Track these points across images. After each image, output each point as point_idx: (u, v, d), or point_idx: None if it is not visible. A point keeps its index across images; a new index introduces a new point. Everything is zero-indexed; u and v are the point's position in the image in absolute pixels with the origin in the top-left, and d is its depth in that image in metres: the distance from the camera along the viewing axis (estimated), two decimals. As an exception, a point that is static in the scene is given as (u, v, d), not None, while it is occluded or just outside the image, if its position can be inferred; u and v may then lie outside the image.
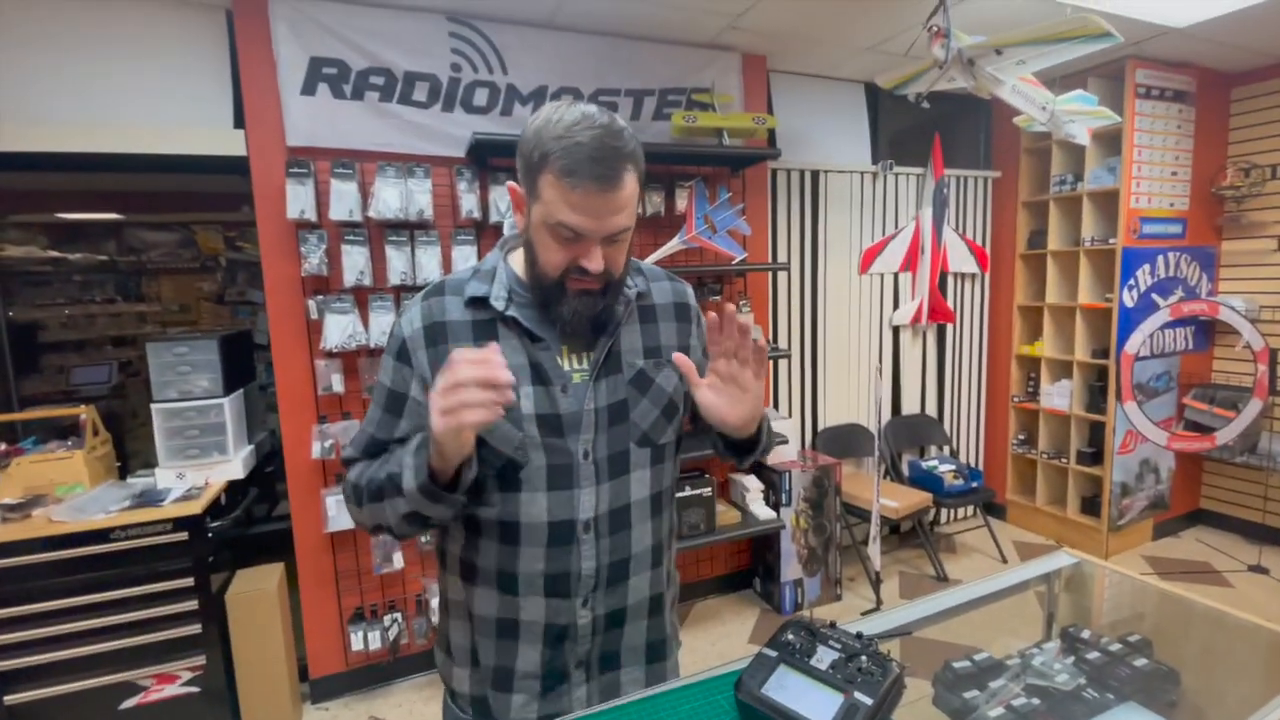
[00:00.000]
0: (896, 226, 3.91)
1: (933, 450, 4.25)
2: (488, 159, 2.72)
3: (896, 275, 3.95)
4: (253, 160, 2.53)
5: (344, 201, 2.52)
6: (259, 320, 4.23)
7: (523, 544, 1.17)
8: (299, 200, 2.48)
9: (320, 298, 2.56)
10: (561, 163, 1.06)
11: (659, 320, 1.24)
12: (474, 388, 1.01)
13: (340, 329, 2.57)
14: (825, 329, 3.79)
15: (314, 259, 2.51)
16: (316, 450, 2.63)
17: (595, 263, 1.09)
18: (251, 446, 2.85)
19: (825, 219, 3.69)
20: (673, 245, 2.99)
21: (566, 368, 1.17)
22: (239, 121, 2.56)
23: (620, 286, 1.17)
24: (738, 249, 3.10)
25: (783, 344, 3.64)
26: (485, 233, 2.75)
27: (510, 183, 1.15)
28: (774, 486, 3.37)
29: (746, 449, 1.24)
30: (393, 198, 2.53)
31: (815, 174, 3.63)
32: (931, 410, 4.23)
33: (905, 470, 4.04)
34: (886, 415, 4.05)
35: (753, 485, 3.39)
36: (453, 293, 1.19)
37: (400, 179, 2.53)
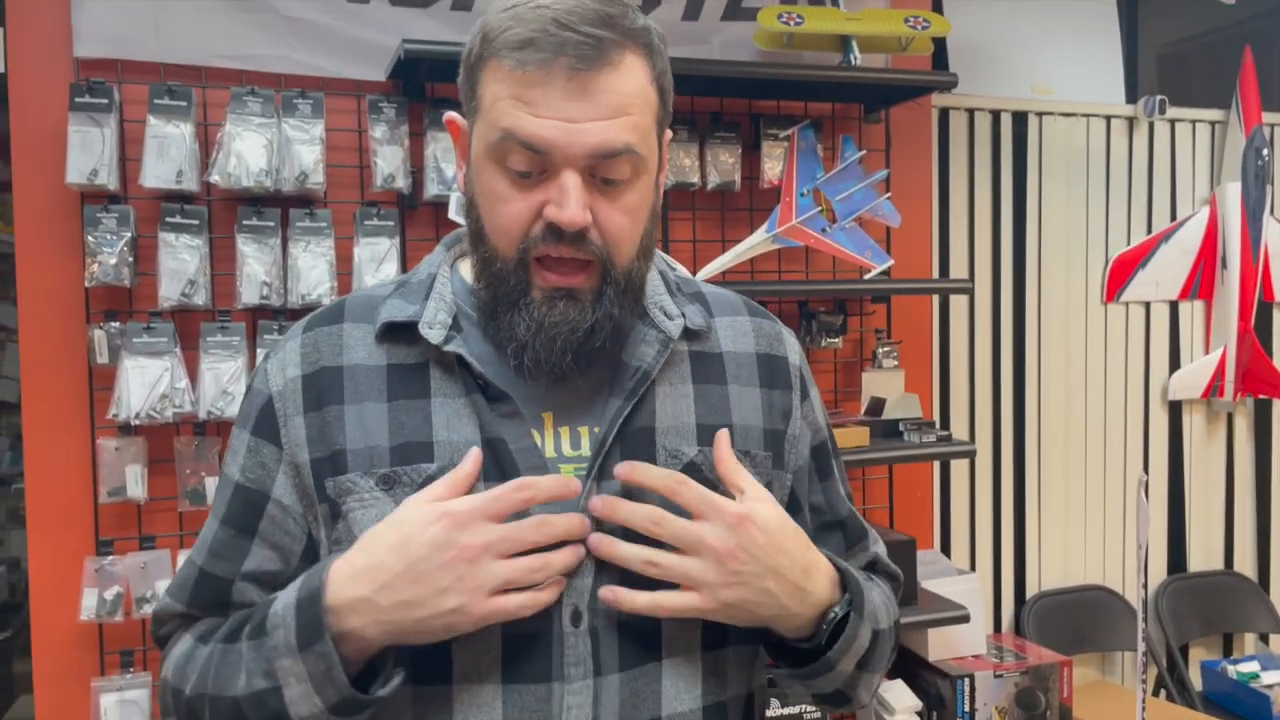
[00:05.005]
0: (1173, 215, 3.22)
1: (1249, 643, 3.39)
2: (426, 84, 2.25)
3: (1174, 307, 3.27)
4: (12, 80, 2.13)
5: (168, 157, 2.08)
6: (5, 359, 3.95)
7: None
8: (89, 152, 2.07)
9: (115, 326, 2.10)
10: (510, 32, 0.78)
11: (729, 380, 0.95)
12: (555, 557, 0.79)
13: (148, 382, 2.08)
14: (1040, 404, 3.10)
15: (110, 255, 2.09)
16: (89, 607, 2.10)
17: (569, 208, 0.79)
18: (-26, 595, 2.56)
19: (1039, 200, 3.06)
20: (753, 244, 2.37)
21: (549, 451, 0.87)
22: (-7, 14, 2.21)
23: (631, 288, 0.87)
24: (877, 252, 2.48)
25: (960, 431, 2.93)
26: (416, 216, 2.28)
27: (450, 114, 0.91)
28: (939, 702, 2.65)
29: (803, 660, 0.92)
30: (255, 151, 2.11)
31: (1020, 119, 3.02)
32: (1246, 566, 3.39)
33: (1196, 680, 3.18)
34: (1159, 574, 3.28)
35: (898, 701, 2.64)
36: (357, 318, 0.91)
37: (269, 119, 2.12)
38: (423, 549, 0.73)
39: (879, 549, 1.02)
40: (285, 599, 0.79)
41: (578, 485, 0.78)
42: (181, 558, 1.98)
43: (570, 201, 0.79)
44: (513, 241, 0.82)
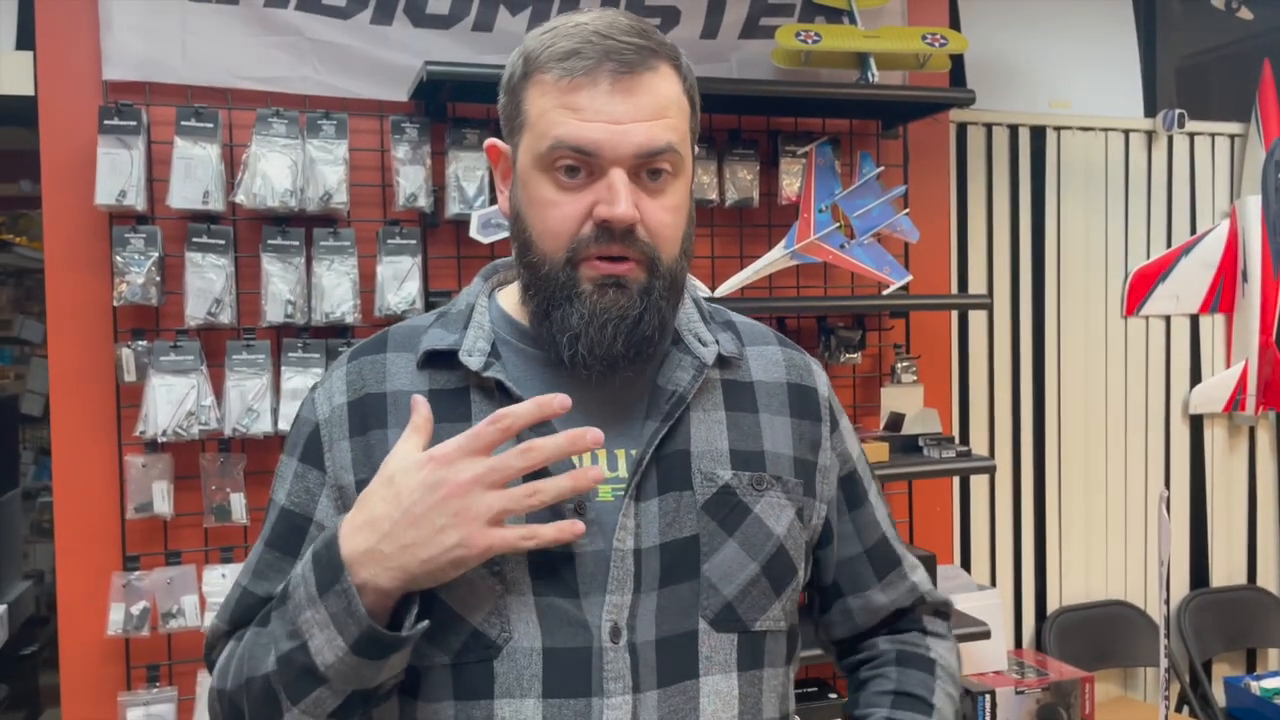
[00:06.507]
0: (1192, 229, 3.23)
1: (1273, 658, 3.35)
2: (448, 104, 2.27)
3: (1195, 320, 3.27)
4: (42, 103, 2.14)
5: (195, 178, 2.10)
6: (30, 374, 3.96)
7: None
8: (117, 174, 2.07)
9: (143, 344, 2.11)
10: (554, 47, 0.83)
11: (761, 408, 0.96)
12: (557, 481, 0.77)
13: (174, 399, 2.10)
14: (1060, 419, 3.10)
15: (138, 275, 2.10)
16: (116, 621, 2.10)
17: (619, 205, 0.82)
18: (2, 608, 2.66)
19: (1058, 215, 3.07)
20: (772, 260, 2.38)
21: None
22: (24, 39, 2.20)
23: (676, 286, 0.89)
24: (896, 267, 2.48)
25: (979, 446, 2.92)
26: (437, 235, 2.30)
27: (491, 140, 0.94)
28: (963, 718, 2.56)
29: None
30: (280, 171, 2.12)
31: (1038, 133, 3.03)
32: (1269, 581, 3.36)
33: (1219, 696, 3.16)
34: (1181, 589, 3.28)
35: (920, 715, 2.36)
36: (400, 347, 0.94)
37: (294, 140, 2.13)
38: (414, 493, 0.74)
39: (917, 577, 1.01)
40: (303, 560, 0.81)
41: (554, 407, 0.76)
42: (207, 573, 1.99)
43: (620, 199, 0.81)
44: (561, 243, 0.83)
